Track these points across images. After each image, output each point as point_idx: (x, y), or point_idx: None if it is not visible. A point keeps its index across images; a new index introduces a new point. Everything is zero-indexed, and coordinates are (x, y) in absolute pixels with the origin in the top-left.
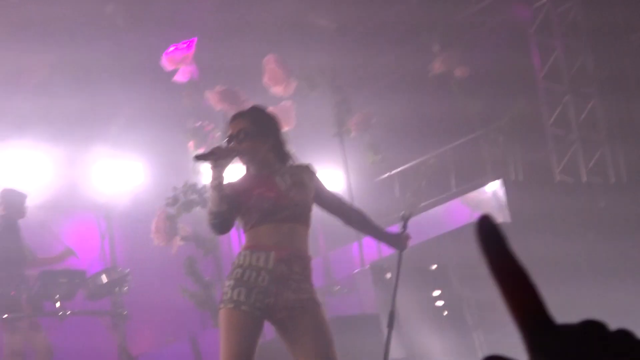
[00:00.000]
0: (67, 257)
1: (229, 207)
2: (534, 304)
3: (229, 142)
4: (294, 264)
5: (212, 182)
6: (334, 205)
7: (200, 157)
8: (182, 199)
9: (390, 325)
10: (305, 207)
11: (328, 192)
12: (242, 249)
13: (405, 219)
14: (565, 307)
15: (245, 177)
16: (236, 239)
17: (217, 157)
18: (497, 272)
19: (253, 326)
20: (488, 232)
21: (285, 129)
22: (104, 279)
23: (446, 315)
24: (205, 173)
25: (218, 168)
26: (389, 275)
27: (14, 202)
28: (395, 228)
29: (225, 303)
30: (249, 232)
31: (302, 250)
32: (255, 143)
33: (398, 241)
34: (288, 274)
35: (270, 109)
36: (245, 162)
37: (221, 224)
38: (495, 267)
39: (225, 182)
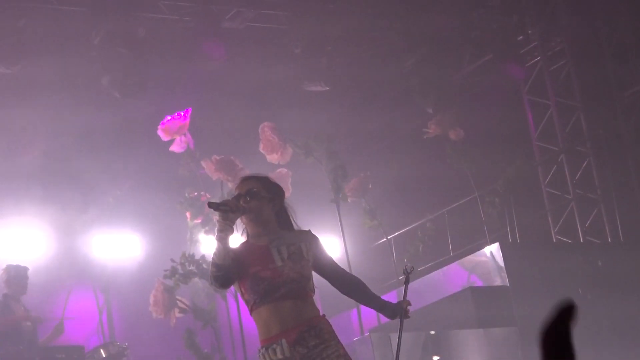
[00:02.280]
0: (58, 336)
1: (232, 264)
2: None
3: (237, 200)
4: (308, 339)
5: (219, 234)
6: (332, 274)
7: (212, 205)
8: (180, 271)
9: None
10: (302, 281)
11: (327, 260)
12: (259, 347)
13: (406, 274)
14: None
15: (244, 247)
16: (235, 310)
17: (227, 209)
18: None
19: None
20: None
21: None
22: (103, 353)
23: None
24: (203, 243)
25: (227, 221)
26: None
27: (17, 279)
28: (393, 294)
29: None
30: (253, 315)
31: (311, 320)
32: (262, 203)
33: (399, 309)
34: (306, 352)
35: None
36: (249, 222)
37: (224, 278)
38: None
39: (230, 239)
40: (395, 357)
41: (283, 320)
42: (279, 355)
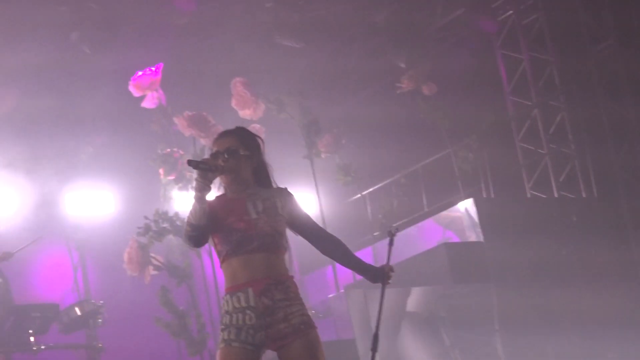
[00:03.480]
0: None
1: (208, 222)
2: None
3: (215, 158)
4: (275, 293)
5: (197, 194)
6: (310, 231)
7: (192, 163)
8: (154, 228)
9: (374, 349)
10: (275, 236)
11: (304, 217)
12: (224, 294)
13: (391, 235)
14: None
15: (219, 200)
16: (209, 267)
17: (207, 168)
18: None
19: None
20: None
21: None
22: (78, 311)
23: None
24: (176, 199)
25: (205, 180)
26: None
27: None
28: (368, 251)
29: (218, 345)
30: (223, 265)
31: (280, 275)
32: (241, 162)
33: (380, 274)
34: (272, 305)
35: None
36: (227, 181)
37: (198, 238)
38: None
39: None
40: (377, 321)
41: (252, 270)
42: (243, 303)
